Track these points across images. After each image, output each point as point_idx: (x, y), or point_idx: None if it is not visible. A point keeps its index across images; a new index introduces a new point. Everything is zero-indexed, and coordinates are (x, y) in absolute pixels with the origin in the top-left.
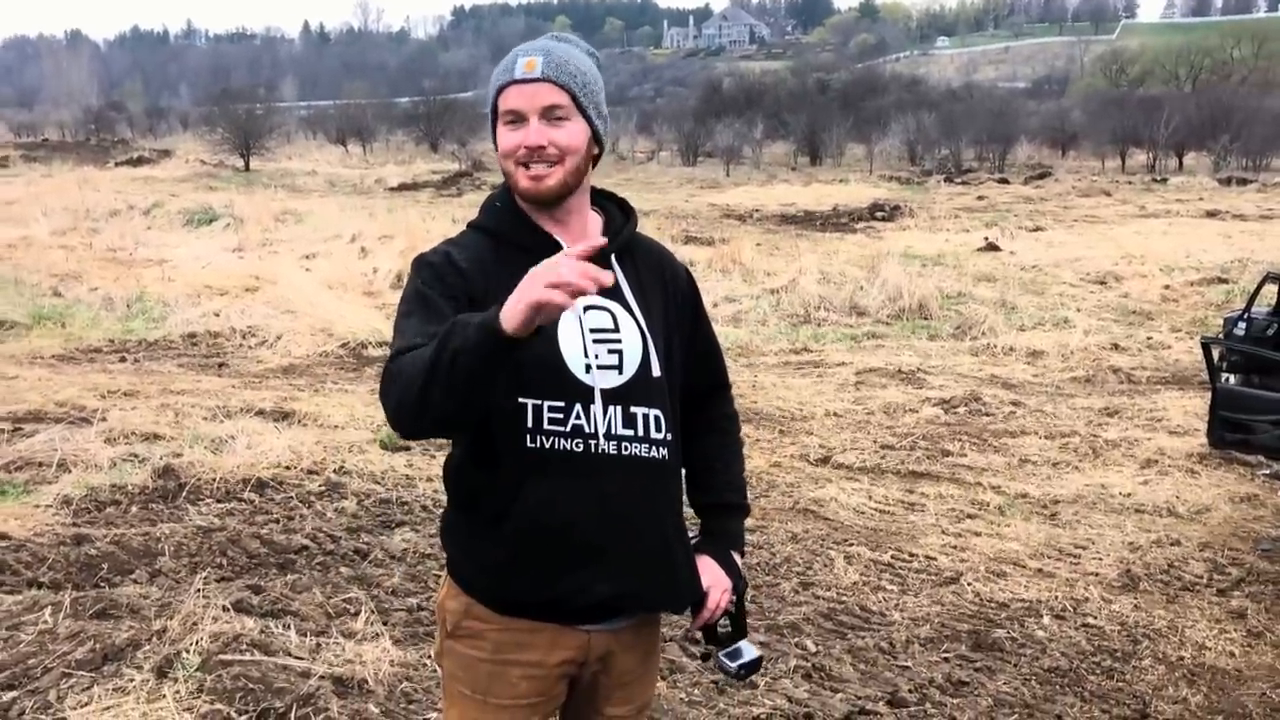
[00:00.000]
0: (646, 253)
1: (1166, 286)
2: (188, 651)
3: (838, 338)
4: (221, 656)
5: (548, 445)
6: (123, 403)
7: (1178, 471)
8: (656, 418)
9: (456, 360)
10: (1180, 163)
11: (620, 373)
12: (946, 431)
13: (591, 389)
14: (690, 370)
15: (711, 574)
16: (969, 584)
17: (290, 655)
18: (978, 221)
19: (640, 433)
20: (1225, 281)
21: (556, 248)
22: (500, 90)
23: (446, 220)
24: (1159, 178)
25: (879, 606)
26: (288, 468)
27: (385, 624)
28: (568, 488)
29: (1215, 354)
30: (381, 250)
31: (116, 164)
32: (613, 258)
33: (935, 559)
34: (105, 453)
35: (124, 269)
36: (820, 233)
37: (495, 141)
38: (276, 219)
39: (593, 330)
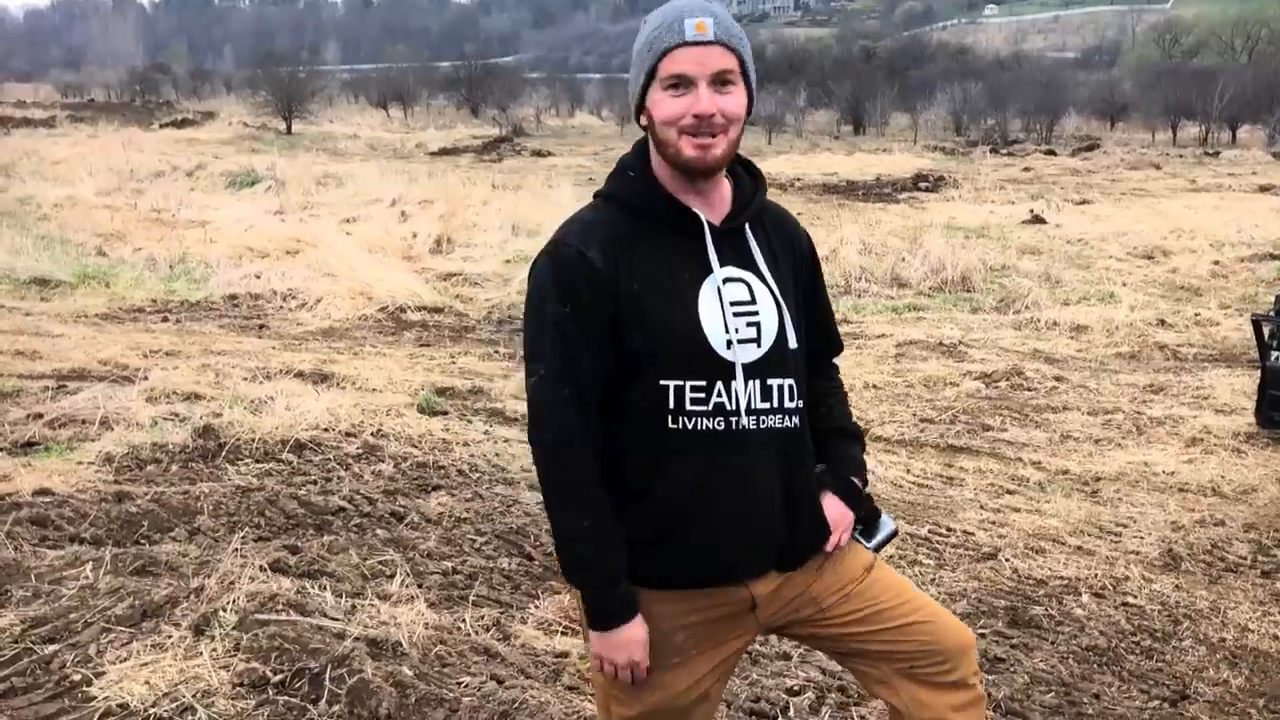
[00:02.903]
0: (774, 218)
1: (1216, 262)
2: (225, 610)
3: (878, 309)
4: (258, 616)
5: (690, 425)
6: (164, 362)
7: (1223, 451)
8: (791, 387)
9: (565, 559)
10: (1233, 136)
11: (759, 345)
12: (987, 406)
13: (732, 365)
14: (810, 332)
15: (835, 510)
16: (1007, 560)
17: (326, 616)
18: (1023, 193)
19: (775, 404)
20: (1277, 258)
21: (697, 222)
22: (666, 52)
23: (486, 185)
24: (1211, 151)
25: (915, 580)
26: (326, 430)
27: (420, 587)
28: (709, 466)
29: (1265, 331)
30: (421, 215)
31: (161, 125)
32: (747, 228)
33: (973, 534)
34: (147, 411)
35: (167, 230)
36: (862, 203)
37: (641, 106)
38: (318, 182)
39: (732, 303)
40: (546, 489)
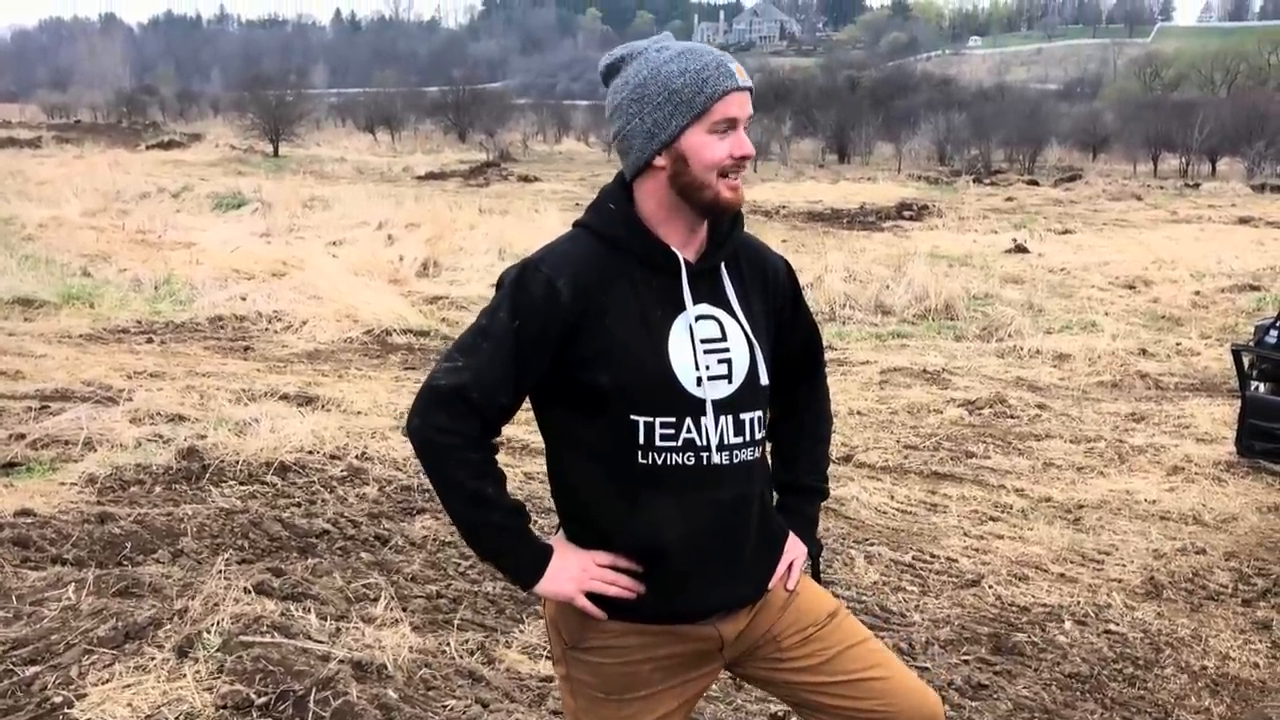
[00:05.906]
0: (748, 252)
1: (1197, 293)
2: (208, 632)
3: (862, 336)
4: (242, 638)
5: (659, 461)
6: (149, 383)
7: (1204, 479)
8: (760, 418)
9: (476, 535)
10: (1213, 168)
11: (730, 382)
12: (971, 433)
13: (703, 401)
14: (792, 353)
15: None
16: (990, 587)
17: (310, 638)
18: (1006, 223)
19: (747, 438)
20: (1257, 289)
21: (675, 260)
22: (722, 96)
23: (473, 210)
24: (1191, 183)
25: (899, 607)
26: (310, 452)
27: (405, 610)
28: (681, 502)
29: (1246, 361)
30: (408, 238)
31: (147, 147)
32: (722, 266)
33: (957, 561)
34: (130, 432)
35: (152, 251)
36: (847, 231)
37: (667, 146)
38: (304, 205)
39: (703, 341)
40: (432, 469)
